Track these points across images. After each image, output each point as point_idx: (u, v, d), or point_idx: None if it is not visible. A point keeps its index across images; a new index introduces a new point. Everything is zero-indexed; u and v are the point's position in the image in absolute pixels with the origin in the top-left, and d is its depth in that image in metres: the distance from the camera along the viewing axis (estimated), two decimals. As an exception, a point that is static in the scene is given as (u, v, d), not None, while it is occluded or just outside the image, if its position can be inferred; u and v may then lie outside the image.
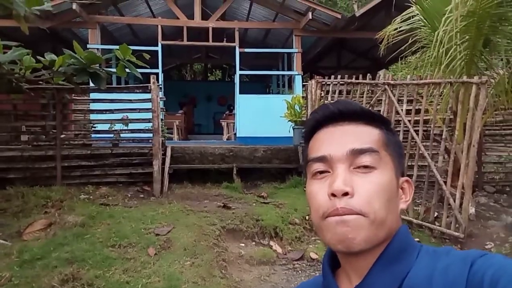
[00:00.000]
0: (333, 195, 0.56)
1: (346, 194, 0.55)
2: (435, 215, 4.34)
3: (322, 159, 0.59)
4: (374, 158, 0.58)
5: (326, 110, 0.62)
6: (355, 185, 0.56)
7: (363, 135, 0.59)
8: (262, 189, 6.00)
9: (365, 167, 0.57)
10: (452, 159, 4.17)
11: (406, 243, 0.58)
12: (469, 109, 4.00)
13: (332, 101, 0.78)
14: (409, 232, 0.61)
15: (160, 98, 6.24)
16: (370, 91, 5.72)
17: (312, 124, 0.63)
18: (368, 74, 5.72)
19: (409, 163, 4.51)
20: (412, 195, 0.64)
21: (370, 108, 4.05)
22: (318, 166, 0.59)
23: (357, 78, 5.62)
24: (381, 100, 4.93)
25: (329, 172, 0.58)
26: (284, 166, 6.46)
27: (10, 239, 3.84)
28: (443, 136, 4.28)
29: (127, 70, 3.86)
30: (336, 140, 0.59)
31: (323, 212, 0.56)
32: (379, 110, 5.08)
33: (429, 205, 4.46)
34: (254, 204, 5.08)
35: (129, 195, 5.43)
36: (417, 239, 3.92)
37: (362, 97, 5.29)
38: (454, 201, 3.98)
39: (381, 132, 0.61)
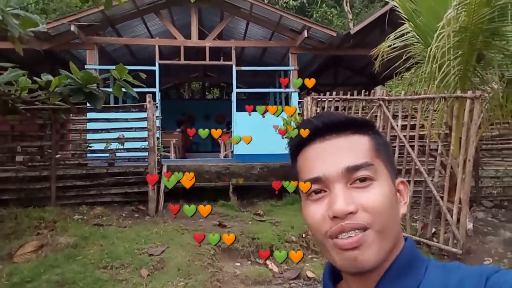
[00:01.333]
0: (335, 217, 0.53)
1: (349, 214, 0.53)
2: (433, 231, 4.29)
3: (316, 180, 0.57)
4: (370, 171, 0.56)
5: (310, 125, 0.60)
6: (356, 200, 0.54)
7: (355, 148, 0.57)
8: (258, 206, 5.95)
9: (362, 180, 0.55)
10: (448, 174, 4.14)
11: (414, 257, 0.57)
12: (464, 124, 4.00)
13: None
14: (416, 246, 0.59)
15: (157, 116, 6.26)
16: (366, 107, 5.75)
17: (298, 141, 0.61)
18: (364, 91, 5.75)
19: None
20: (408, 195, 0.62)
21: None
22: (313, 187, 0.57)
23: (352, 95, 5.65)
24: (377, 115, 4.93)
25: (326, 191, 0.56)
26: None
27: (1, 261, 3.78)
28: (439, 151, 4.27)
29: (124, 89, 3.89)
30: (328, 158, 0.57)
31: (325, 231, 0.54)
32: None
33: (426, 221, 4.41)
34: (250, 222, 5.03)
35: (123, 215, 5.38)
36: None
37: (358, 113, 5.30)
38: (452, 217, 3.94)
39: (370, 138, 0.59)
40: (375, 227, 0.53)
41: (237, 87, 8.49)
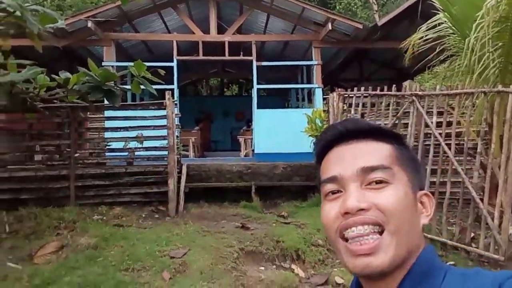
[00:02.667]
0: (347, 213, 0.56)
1: (361, 210, 0.56)
2: (472, 236, 4.15)
3: (333, 179, 0.60)
4: (386, 174, 0.58)
5: (335, 130, 0.64)
6: (370, 199, 0.56)
7: (373, 152, 0.60)
8: (282, 208, 5.91)
9: (378, 182, 0.58)
10: (488, 175, 3.99)
11: (431, 264, 0.57)
12: (506, 121, 3.85)
13: (339, 121, 0.82)
14: (435, 252, 0.60)
15: (176, 114, 6.29)
16: (395, 103, 5.61)
17: (322, 145, 0.65)
18: (394, 86, 5.61)
19: (442, 180, 4.36)
20: (433, 208, 0.63)
21: (397, 122, 3.92)
22: (330, 187, 0.61)
23: (381, 90, 5.52)
24: (408, 112, 4.81)
25: (342, 191, 0.59)
26: (305, 183, 6.36)
27: (21, 262, 3.85)
28: (478, 150, 4.12)
29: (142, 86, 3.90)
30: (346, 159, 0.60)
31: (337, 227, 0.57)
32: (406, 123, 4.97)
33: (464, 225, 4.28)
34: (274, 224, 4.99)
35: (143, 216, 5.43)
36: (452, 262, 3.74)
37: (388, 109, 5.18)
38: (493, 221, 3.80)
39: (392, 147, 0.62)
40: (389, 227, 0.55)
41: (257, 83, 8.47)
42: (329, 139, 0.64)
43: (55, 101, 4.66)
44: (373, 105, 5.38)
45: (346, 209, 0.56)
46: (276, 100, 13.17)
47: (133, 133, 6.00)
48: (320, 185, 0.64)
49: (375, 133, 0.62)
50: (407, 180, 0.60)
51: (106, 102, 4.95)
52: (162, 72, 4.06)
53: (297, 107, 10.92)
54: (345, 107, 5.47)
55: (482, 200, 3.95)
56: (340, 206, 0.57)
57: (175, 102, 6.64)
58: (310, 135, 6.76)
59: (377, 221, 0.55)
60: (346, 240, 0.57)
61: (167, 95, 5.82)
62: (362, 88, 5.49)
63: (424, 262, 0.57)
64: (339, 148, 0.63)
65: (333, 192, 0.60)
